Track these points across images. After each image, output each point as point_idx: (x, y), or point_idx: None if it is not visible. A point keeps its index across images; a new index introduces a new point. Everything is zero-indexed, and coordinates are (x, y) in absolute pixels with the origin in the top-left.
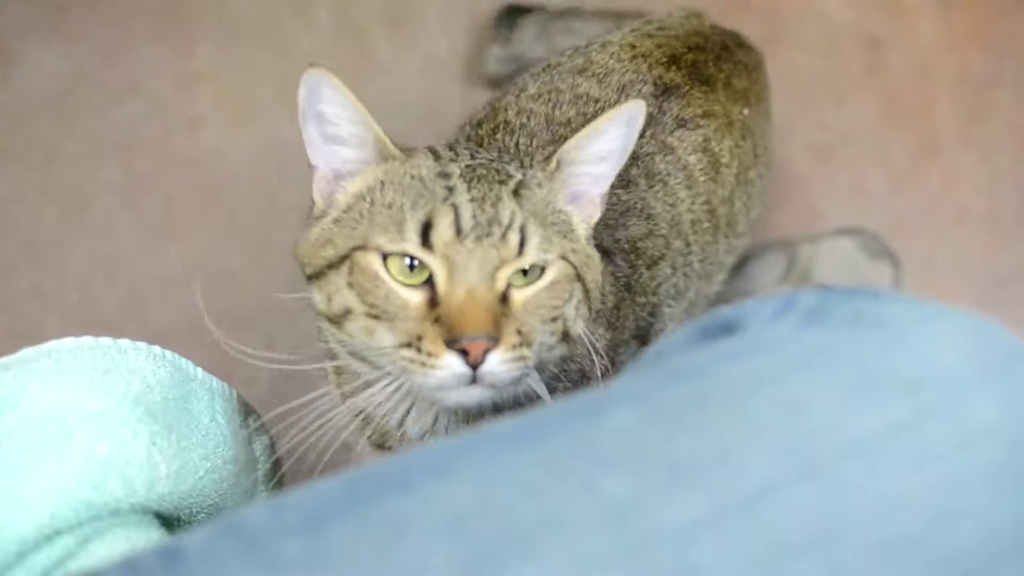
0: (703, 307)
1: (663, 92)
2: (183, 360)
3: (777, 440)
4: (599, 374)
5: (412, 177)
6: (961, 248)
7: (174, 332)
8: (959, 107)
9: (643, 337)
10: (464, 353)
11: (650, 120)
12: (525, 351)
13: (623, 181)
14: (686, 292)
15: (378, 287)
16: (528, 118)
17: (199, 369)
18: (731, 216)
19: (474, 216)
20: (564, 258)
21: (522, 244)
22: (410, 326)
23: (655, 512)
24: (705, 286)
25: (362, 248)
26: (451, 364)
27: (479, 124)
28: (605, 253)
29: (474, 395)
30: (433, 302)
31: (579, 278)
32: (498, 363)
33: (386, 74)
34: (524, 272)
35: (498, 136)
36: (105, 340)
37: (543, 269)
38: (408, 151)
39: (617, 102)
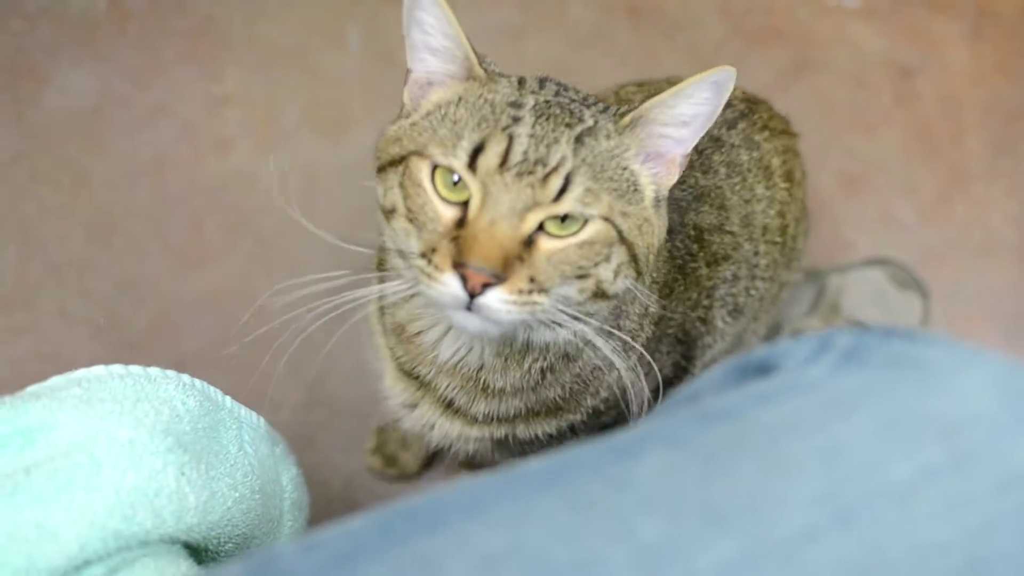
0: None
1: (753, 101)
2: (212, 389)
3: (813, 485)
4: (641, 344)
5: (485, 100)
6: (989, 279)
7: (201, 356)
8: (988, 137)
9: (688, 345)
10: (465, 279)
11: (741, 116)
12: (536, 297)
13: (704, 166)
14: (743, 311)
15: (419, 195)
16: None
17: (228, 398)
18: (795, 242)
19: (525, 152)
20: (608, 219)
21: (563, 191)
22: (432, 238)
23: (690, 557)
24: (755, 320)
25: (418, 154)
26: (450, 283)
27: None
28: (668, 232)
29: (473, 323)
30: (461, 223)
31: (623, 241)
32: (497, 300)
33: None
34: (563, 220)
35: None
36: (135, 369)
37: (585, 222)
38: (497, 76)
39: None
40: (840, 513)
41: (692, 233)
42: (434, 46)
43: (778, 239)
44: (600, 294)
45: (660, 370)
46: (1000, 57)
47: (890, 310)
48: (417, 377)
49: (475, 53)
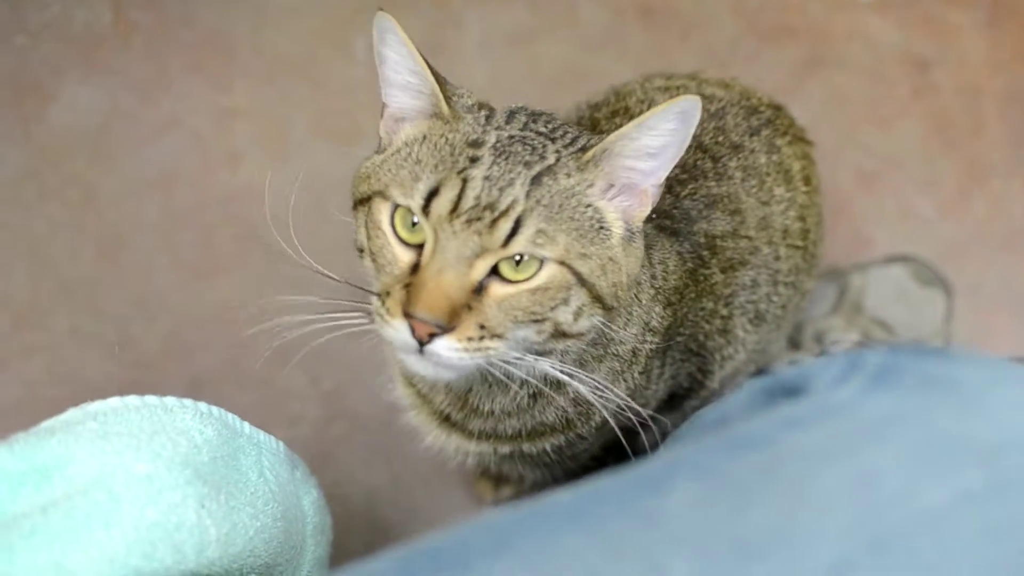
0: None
1: (778, 107)
2: (230, 415)
3: (847, 514)
4: (646, 353)
5: (446, 140)
6: (1012, 273)
7: (216, 373)
8: (1008, 128)
9: (705, 358)
10: (412, 328)
11: (767, 122)
12: (489, 343)
13: (718, 173)
14: (766, 319)
15: (379, 236)
16: (650, 106)
17: (246, 424)
18: (816, 248)
19: (477, 196)
20: (565, 263)
21: (512, 234)
22: (389, 281)
23: None
24: (778, 330)
25: (381, 195)
26: (400, 329)
27: (597, 106)
28: (675, 234)
29: (426, 368)
30: (415, 268)
31: (583, 284)
32: (446, 349)
33: None
34: (517, 262)
35: (617, 120)
36: (151, 399)
37: (541, 263)
38: (466, 111)
39: (741, 104)
40: (875, 542)
41: (703, 240)
42: (401, 82)
43: (800, 243)
44: (560, 335)
45: (674, 376)
46: (1018, 46)
47: (913, 307)
48: (415, 386)
49: (443, 89)
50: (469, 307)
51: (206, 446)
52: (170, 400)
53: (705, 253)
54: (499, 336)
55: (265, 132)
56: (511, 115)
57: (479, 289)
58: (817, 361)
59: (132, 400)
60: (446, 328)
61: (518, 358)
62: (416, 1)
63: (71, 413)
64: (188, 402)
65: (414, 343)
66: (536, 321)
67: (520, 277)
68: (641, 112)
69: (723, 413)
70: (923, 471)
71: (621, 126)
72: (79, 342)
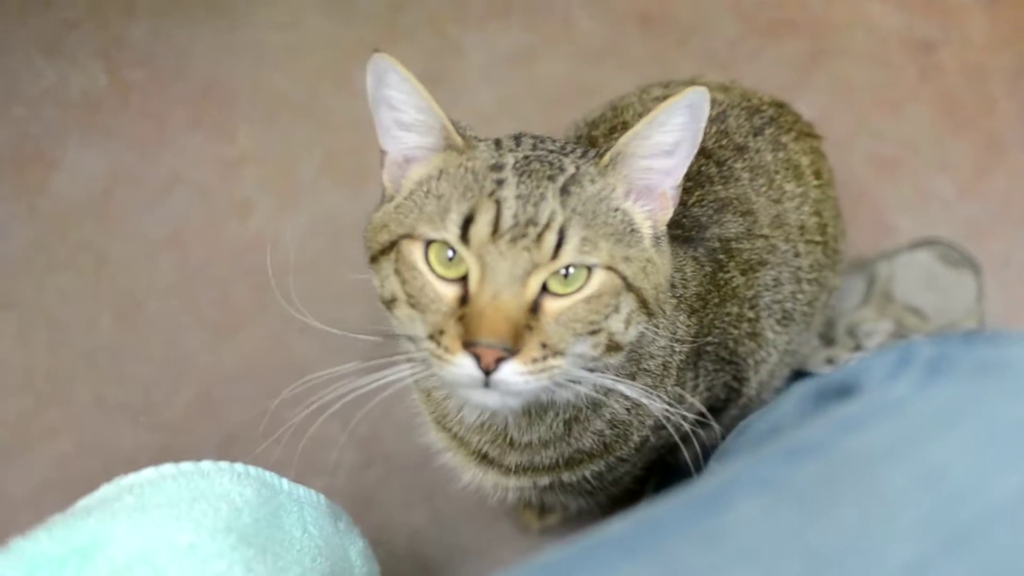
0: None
1: (780, 105)
2: (268, 473)
3: (917, 514)
4: (677, 365)
5: (466, 169)
6: None
7: (248, 430)
8: (1019, 102)
9: (738, 365)
10: (478, 357)
11: (770, 120)
12: (552, 362)
13: (724, 177)
14: (794, 317)
15: (416, 278)
16: None
17: (284, 480)
18: (836, 243)
19: (515, 215)
20: (611, 268)
21: (559, 246)
22: (437, 319)
23: None
24: (808, 329)
25: (409, 236)
26: (464, 364)
27: (594, 124)
28: (688, 241)
29: (492, 399)
30: (464, 299)
31: (630, 288)
32: (513, 374)
33: None
34: (565, 276)
35: (615, 135)
36: (186, 466)
37: (589, 272)
38: (475, 141)
39: (742, 106)
40: (950, 538)
41: (717, 245)
42: (407, 121)
43: (819, 238)
44: (614, 346)
45: (709, 389)
46: (1020, 19)
47: (944, 290)
48: (450, 430)
49: (451, 121)
50: (529, 327)
51: (247, 507)
52: (206, 464)
53: (722, 257)
54: (560, 353)
55: (272, 177)
56: (518, 139)
57: (534, 309)
58: (866, 358)
59: (167, 469)
60: (512, 351)
61: (576, 377)
62: (413, 32)
63: (105, 489)
64: (224, 464)
65: (480, 375)
66: (593, 333)
67: (571, 289)
68: None
69: (774, 422)
70: (990, 461)
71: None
72: (105, 412)
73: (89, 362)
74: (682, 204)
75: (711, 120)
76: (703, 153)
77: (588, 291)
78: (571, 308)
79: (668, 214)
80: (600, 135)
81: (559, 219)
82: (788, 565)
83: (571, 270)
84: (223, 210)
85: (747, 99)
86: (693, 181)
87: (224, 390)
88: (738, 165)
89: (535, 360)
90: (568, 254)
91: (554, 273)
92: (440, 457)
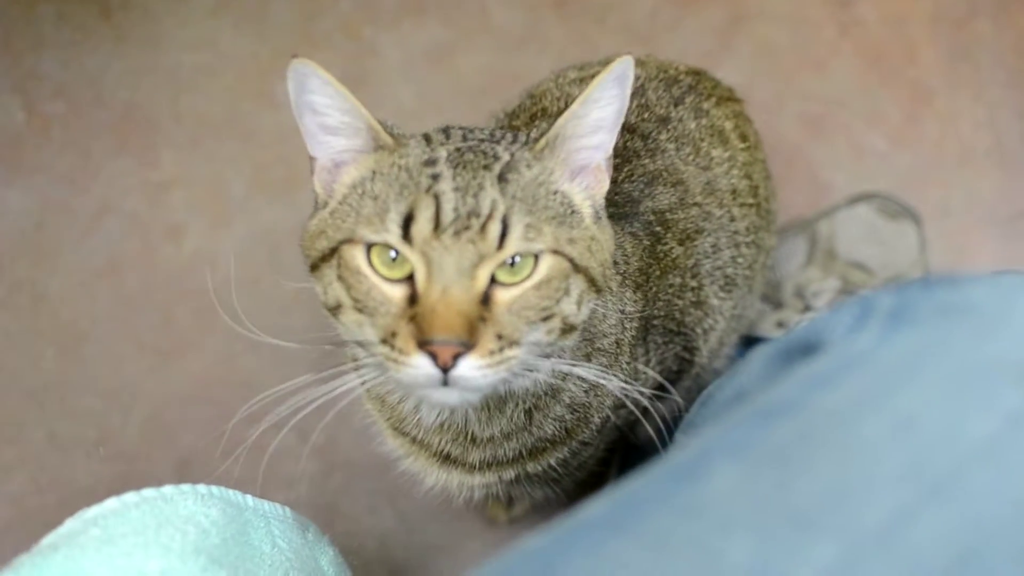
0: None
1: (697, 72)
2: (230, 491)
3: (895, 464)
4: (629, 341)
5: (399, 167)
6: (974, 189)
7: (206, 449)
8: (941, 48)
9: (687, 336)
10: (434, 356)
11: (689, 89)
12: (509, 352)
13: (651, 150)
14: (736, 282)
15: (360, 282)
16: (567, 103)
17: (248, 497)
18: (769, 203)
19: (455, 208)
20: (557, 251)
21: (503, 236)
22: (388, 322)
23: (787, 571)
24: (751, 292)
25: (349, 241)
26: (421, 365)
27: (514, 114)
28: (623, 218)
29: (452, 397)
30: (413, 299)
31: (578, 269)
32: (471, 368)
33: None
34: (511, 264)
35: (536, 123)
36: (148, 492)
37: (536, 258)
38: (405, 139)
39: (659, 78)
40: (931, 485)
41: (652, 218)
42: (333, 125)
43: (751, 200)
44: (568, 329)
45: (661, 362)
46: None
47: (886, 243)
48: (408, 434)
49: (377, 121)
50: (483, 319)
51: (214, 528)
52: (168, 489)
53: (658, 229)
54: (516, 343)
55: (202, 198)
56: (446, 131)
57: (485, 301)
58: (827, 313)
59: (130, 497)
60: (468, 345)
61: (533, 366)
62: (328, 38)
63: (70, 524)
64: (187, 487)
65: (438, 373)
66: (546, 319)
67: (519, 278)
68: (560, 110)
69: (739, 387)
70: (962, 403)
71: (542, 128)
72: (58, 447)
73: (37, 400)
74: (612, 182)
75: (632, 95)
76: (627, 128)
77: (537, 277)
78: (522, 296)
79: (605, 186)
80: (521, 124)
81: (501, 208)
82: (774, 527)
83: (517, 259)
84: (157, 235)
85: (664, 70)
86: (620, 157)
87: (175, 414)
88: (663, 137)
89: (492, 352)
90: (514, 243)
91: (500, 264)
92: (400, 464)
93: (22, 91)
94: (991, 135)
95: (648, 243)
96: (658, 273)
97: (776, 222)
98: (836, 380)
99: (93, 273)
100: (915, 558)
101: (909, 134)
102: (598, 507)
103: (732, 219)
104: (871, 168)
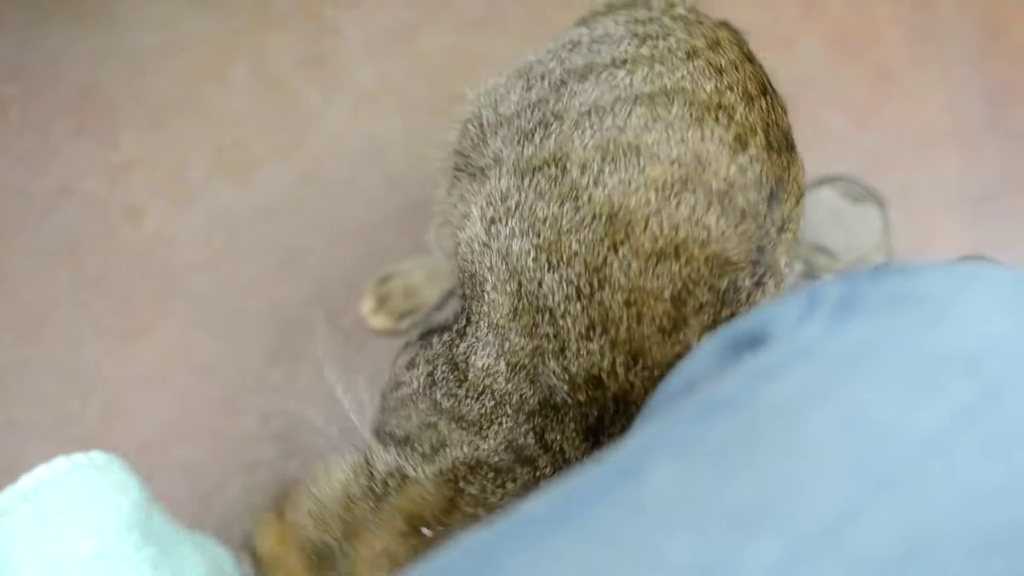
0: None
1: None
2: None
3: (841, 460)
4: None
5: None
6: (938, 171)
7: (165, 433)
8: (904, 27)
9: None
10: None
11: None
12: None
13: None
14: None
15: None
16: None
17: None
18: None
19: None
20: None
21: None
22: None
23: (732, 570)
24: None
25: None
26: None
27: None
28: None
29: None
30: None
31: None
32: None
33: (318, 118)
34: None
35: None
36: (78, 458)
37: None
38: None
39: None
40: (879, 481)
41: None
42: None
43: None
44: None
45: None
46: None
47: (849, 226)
48: None
49: None
50: None
51: (141, 500)
52: (96, 455)
53: None
54: None
55: (162, 180)
56: None
57: None
58: (775, 304)
59: (60, 464)
60: None
61: None
62: (286, 18)
63: (2, 500)
64: (113, 456)
65: None
66: None
67: None
68: None
69: (689, 377)
70: (909, 395)
71: None
72: (17, 431)
73: None
74: None
75: None
76: None
77: None
78: None
79: None
80: None
81: None
82: (717, 526)
83: None
84: (117, 216)
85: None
86: None
87: (134, 398)
88: None
89: None
90: None
91: None
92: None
93: None
94: (954, 115)
95: None
96: None
97: None
98: (781, 373)
99: (52, 255)
100: (863, 555)
101: (873, 115)
102: (541, 502)
103: None
104: (835, 150)
